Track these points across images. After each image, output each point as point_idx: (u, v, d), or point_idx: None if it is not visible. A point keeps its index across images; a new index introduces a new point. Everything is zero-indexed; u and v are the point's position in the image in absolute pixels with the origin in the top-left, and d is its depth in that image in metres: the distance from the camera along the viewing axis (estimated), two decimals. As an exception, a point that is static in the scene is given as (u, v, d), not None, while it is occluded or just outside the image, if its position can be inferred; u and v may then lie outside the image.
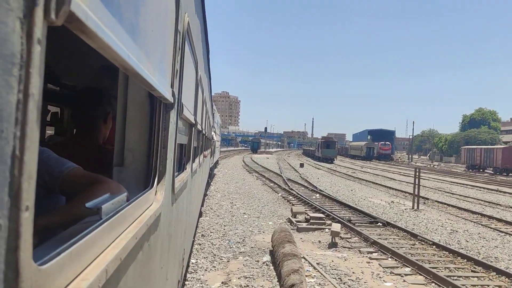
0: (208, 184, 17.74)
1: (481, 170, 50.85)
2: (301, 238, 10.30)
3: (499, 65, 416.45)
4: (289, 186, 20.46)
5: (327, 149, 57.73)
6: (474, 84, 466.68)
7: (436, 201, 18.34)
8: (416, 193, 15.65)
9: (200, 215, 11.32)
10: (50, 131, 4.85)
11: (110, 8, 0.81)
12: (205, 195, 14.53)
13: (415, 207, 15.53)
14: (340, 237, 10.08)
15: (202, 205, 11.92)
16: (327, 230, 11.03)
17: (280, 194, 18.06)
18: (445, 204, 17.56)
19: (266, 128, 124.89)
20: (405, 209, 15.66)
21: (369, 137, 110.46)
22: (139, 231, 1.24)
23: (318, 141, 65.95)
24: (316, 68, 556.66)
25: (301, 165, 39.23)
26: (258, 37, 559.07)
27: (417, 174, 15.46)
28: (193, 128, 3.76)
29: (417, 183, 15.47)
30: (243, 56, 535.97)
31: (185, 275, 5.77)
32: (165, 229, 1.99)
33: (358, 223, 12.28)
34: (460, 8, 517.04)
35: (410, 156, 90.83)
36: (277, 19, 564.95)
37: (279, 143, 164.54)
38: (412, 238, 10.65)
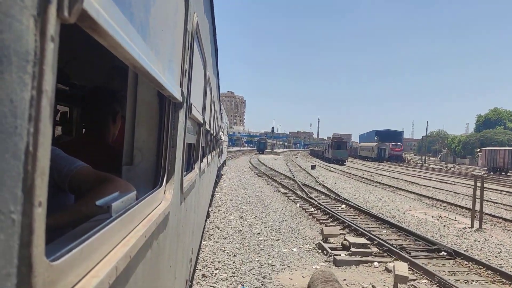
0: (215, 184, 17.58)
1: (503, 173, 47.96)
2: (344, 280, 7.19)
3: None
4: (307, 194, 17.53)
5: (338, 150, 54.66)
6: (484, 84, 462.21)
7: (486, 213, 14.37)
8: (478, 209, 12.43)
9: (208, 215, 11.30)
10: (57, 131, 4.90)
11: (121, 7, 0.81)
12: (212, 194, 14.45)
13: (477, 226, 12.22)
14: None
15: (209, 205, 11.88)
16: (376, 264, 8.15)
17: (298, 205, 15.13)
18: (500, 218, 14.19)
19: (273, 128, 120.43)
20: (463, 228, 12.31)
21: (376, 138, 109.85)
22: (148, 230, 1.25)
23: (327, 142, 62.76)
24: (322, 69, 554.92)
25: (313, 167, 36.72)
26: (263, 38, 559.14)
27: (480, 185, 12.33)
28: (202, 128, 3.78)
29: (478, 196, 12.34)
30: (249, 56, 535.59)
31: (193, 275, 5.78)
32: (174, 228, 2.00)
33: (414, 250, 9.09)
34: (471, 4, 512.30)
35: (423, 157, 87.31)
36: (282, 20, 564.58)
37: (285, 143, 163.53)
38: (506, 280, 7.33)
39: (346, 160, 56.66)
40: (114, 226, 0.97)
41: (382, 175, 35.21)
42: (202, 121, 3.54)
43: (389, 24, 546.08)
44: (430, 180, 31.71)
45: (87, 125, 2.52)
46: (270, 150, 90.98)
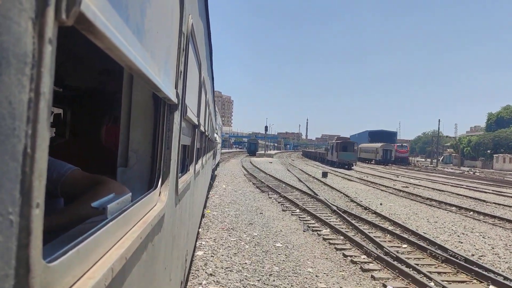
0: (210, 186, 17.34)
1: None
2: None
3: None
4: (375, 242, 9.16)
5: (344, 152, 47.48)
6: (472, 86, 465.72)
7: None
8: None
9: (203, 216, 11.27)
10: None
11: (117, 9, 0.82)
12: (207, 197, 14.32)
13: None
14: None
15: (204, 207, 11.84)
16: None
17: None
18: None
19: (266, 127, 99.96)
20: None
21: (369, 139, 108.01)
22: (143, 231, 1.25)
23: (332, 143, 53.59)
24: (312, 68, 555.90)
25: (324, 175, 29.29)
26: (251, 37, 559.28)
27: None
28: (196, 129, 3.77)
29: None
30: (236, 55, 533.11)
31: (188, 277, 5.77)
32: (169, 230, 2.00)
33: None
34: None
35: (433, 160, 78.48)
36: (271, 20, 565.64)
37: (275, 144, 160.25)
38: None
39: (354, 164, 49.61)
40: (110, 228, 0.97)
41: (415, 184, 27.10)
42: (197, 123, 3.54)
43: (378, 27, 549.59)
44: (485, 192, 24.09)
45: (82, 127, 2.51)
46: (263, 152, 79.55)
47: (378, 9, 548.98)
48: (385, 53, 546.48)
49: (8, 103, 0.46)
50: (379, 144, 70.91)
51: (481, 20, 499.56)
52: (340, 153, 47.51)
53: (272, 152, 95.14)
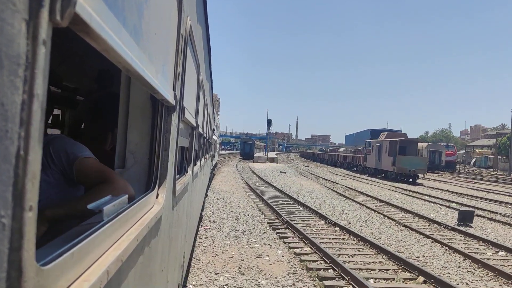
0: (208, 187, 17.28)
1: None
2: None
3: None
4: None
5: (405, 157, 30.19)
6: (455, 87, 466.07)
7: None
8: None
9: (201, 219, 11.25)
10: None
11: (114, 10, 0.82)
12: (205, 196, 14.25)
13: None
14: None
15: (202, 209, 11.81)
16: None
17: None
18: None
19: (270, 121, 68.57)
20: None
21: (370, 139, 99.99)
22: (140, 233, 1.24)
23: (378, 142, 35.71)
24: (298, 70, 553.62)
25: (466, 219, 12.98)
26: (240, 36, 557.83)
27: None
28: (195, 131, 3.77)
29: None
30: (223, 54, 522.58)
31: (186, 279, 5.76)
32: (166, 232, 1.99)
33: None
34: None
35: (496, 163, 57.40)
36: (261, 22, 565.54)
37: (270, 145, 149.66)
38: None
39: (422, 176, 32.19)
40: (106, 230, 0.97)
41: None
42: (195, 124, 3.53)
43: (369, 34, 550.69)
44: None
45: (92, 132, 2.43)
46: (264, 156, 56.93)
47: (371, 17, 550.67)
48: (375, 58, 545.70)
49: (1, 104, 0.46)
50: (424, 144, 49.88)
51: (470, 29, 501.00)
52: (400, 158, 30.03)
53: (273, 154, 72.81)
